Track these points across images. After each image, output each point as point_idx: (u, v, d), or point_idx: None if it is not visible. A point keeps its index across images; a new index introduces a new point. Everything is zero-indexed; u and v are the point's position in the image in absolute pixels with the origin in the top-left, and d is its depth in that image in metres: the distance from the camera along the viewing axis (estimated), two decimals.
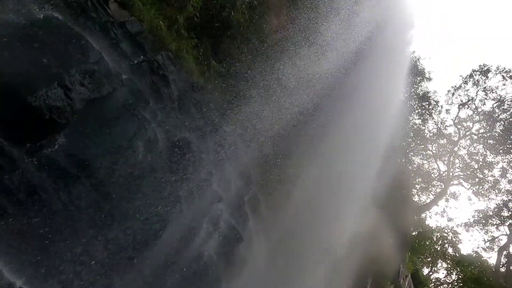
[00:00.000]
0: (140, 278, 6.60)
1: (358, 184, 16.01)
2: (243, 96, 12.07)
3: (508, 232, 27.88)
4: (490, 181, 28.28)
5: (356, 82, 15.41)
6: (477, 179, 28.86)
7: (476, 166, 28.75)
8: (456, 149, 29.13)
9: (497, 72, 26.30)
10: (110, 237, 6.16)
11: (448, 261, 34.89)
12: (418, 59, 26.06)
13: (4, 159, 4.91)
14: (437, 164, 29.96)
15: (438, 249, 34.79)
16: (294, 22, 14.79)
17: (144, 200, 6.61)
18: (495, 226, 29.09)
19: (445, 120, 29.46)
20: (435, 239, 34.29)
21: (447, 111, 28.73)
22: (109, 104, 6.30)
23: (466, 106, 28.25)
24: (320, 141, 14.23)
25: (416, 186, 30.41)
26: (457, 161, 29.53)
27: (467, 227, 30.19)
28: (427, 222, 32.01)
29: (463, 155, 29.21)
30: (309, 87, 14.06)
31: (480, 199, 28.97)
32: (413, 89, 26.38)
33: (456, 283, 33.36)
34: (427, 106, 28.64)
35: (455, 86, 28.67)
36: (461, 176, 29.48)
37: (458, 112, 28.53)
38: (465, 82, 27.81)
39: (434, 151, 29.90)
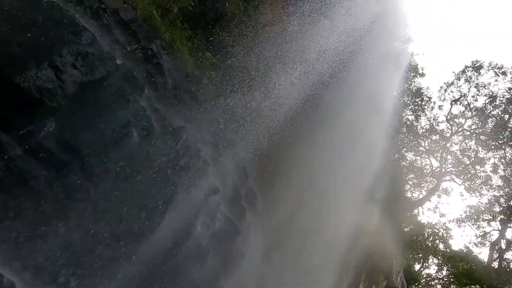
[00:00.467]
0: (135, 273, 6.31)
1: (356, 179, 15.89)
2: (238, 88, 11.85)
3: (499, 228, 28.10)
4: (482, 176, 28.44)
5: (352, 78, 15.26)
6: (469, 175, 29.00)
7: (468, 162, 28.89)
8: (448, 145, 29.24)
9: (489, 68, 26.42)
10: (103, 229, 5.86)
11: (439, 257, 35.11)
12: (412, 55, 26.04)
13: None
14: (430, 160, 30.06)
15: (429, 245, 34.97)
16: (289, 16, 14.57)
17: (139, 190, 6.31)
18: (487, 221, 29.30)
19: (438, 116, 29.55)
20: (426, 235, 34.46)
21: (440, 107, 28.80)
22: (103, 89, 5.98)
23: (459, 102, 28.34)
24: (317, 136, 14.06)
25: (409, 182, 30.47)
26: (449, 157, 29.65)
27: (459, 222, 30.38)
28: (419, 218, 32.12)
29: (455, 151, 29.33)
30: (305, 82, 13.89)
31: (472, 194, 29.14)
32: (406, 85, 26.35)
33: (447, 278, 33.59)
34: (420, 102, 28.68)
35: (448, 82, 28.76)
36: (453, 172, 29.61)
37: (451, 108, 28.64)
38: (458, 78, 27.90)
39: (427, 147, 29.96)
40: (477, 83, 27.30)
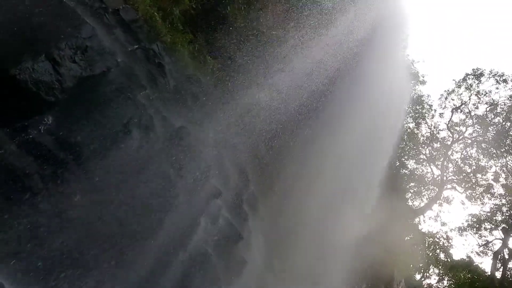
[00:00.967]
0: (134, 277, 5.99)
1: (359, 186, 15.59)
2: (239, 93, 11.69)
3: (502, 236, 27.74)
4: (484, 185, 28.16)
5: (356, 83, 15.10)
6: (470, 183, 28.73)
7: (469, 170, 28.63)
8: (449, 153, 29.00)
9: (490, 76, 26.33)
10: (101, 230, 5.56)
11: (440, 267, 34.65)
12: (412, 62, 25.98)
13: None
14: (431, 168, 29.79)
15: (430, 254, 34.55)
16: (290, 20, 14.47)
17: (139, 191, 6.03)
18: (488, 230, 28.95)
19: (439, 124, 29.36)
20: (427, 244, 34.07)
21: (441, 114, 28.63)
22: (103, 85, 5.75)
23: (459, 110, 28.19)
24: (321, 141, 13.85)
25: (410, 190, 30.17)
26: (450, 165, 29.39)
27: (460, 231, 29.99)
28: (420, 227, 31.76)
29: (457, 159, 29.08)
30: (304, 87, 13.74)
31: (474, 203, 28.83)
32: (405, 92, 26.21)
33: None
34: (420, 109, 28.54)
35: (448, 90, 28.64)
36: (455, 180, 29.33)
37: (451, 116, 28.45)
38: (458, 86, 27.79)
39: (428, 155, 29.73)
40: (478, 91, 27.18)
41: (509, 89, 25.86)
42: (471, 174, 28.66)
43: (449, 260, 33.85)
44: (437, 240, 34.12)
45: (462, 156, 28.89)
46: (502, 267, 27.47)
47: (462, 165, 28.97)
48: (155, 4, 9.87)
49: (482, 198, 28.46)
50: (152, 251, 6.28)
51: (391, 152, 17.70)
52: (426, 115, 28.87)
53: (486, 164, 28.12)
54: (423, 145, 29.71)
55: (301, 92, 13.58)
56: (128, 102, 6.12)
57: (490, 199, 28.15)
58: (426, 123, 29.34)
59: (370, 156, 15.94)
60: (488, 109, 27.04)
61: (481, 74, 26.60)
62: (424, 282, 35.73)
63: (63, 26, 5.31)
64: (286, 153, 13.65)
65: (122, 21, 8.31)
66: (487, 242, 28.99)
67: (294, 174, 13.56)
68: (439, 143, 29.58)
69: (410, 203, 30.75)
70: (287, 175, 13.32)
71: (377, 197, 17.57)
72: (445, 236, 33.03)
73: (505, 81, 25.73)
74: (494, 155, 27.31)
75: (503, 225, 27.63)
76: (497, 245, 28.55)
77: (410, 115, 28.40)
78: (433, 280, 34.86)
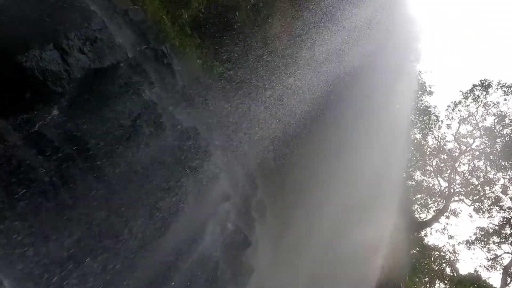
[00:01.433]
0: (138, 281, 5.68)
1: (370, 197, 15.16)
2: (246, 98, 11.53)
3: (511, 250, 27.12)
4: (492, 197, 27.63)
5: (367, 89, 14.87)
6: (477, 196, 28.22)
7: (477, 183, 28.14)
8: (457, 165, 28.54)
9: (498, 87, 26.01)
10: (106, 230, 5.28)
11: (446, 282, 33.90)
12: (419, 73, 25.76)
13: None
14: (438, 180, 29.30)
15: (436, 268, 33.86)
16: (297, 27, 14.35)
17: (147, 191, 5.76)
18: (497, 244, 28.30)
19: (446, 135, 28.97)
20: (433, 259, 33.43)
21: (448, 126, 28.26)
22: (112, 78, 5.53)
23: (467, 121, 27.85)
24: (329, 150, 13.56)
25: (417, 202, 29.66)
26: (457, 177, 28.89)
27: (468, 245, 29.33)
28: (427, 240, 31.16)
29: (464, 171, 28.61)
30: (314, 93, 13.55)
31: (481, 216, 28.26)
32: (413, 103, 25.96)
33: None
34: (427, 120, 28.21)
35: (455, 101, 28.33)
36: (462, 193, 28.82)
37: (459, 128, 28.08)
38: (466, 97, 27.49)
39: (435, 167, 29.29)
40: (485, 102, 26.86)
41: None
42: (479, 187, 28.13)
43: (455, 275, 33.14)
44: (443, 254, 33.47)
45: (470, 168, 28.40)
46: None
47: (469, 177, 28.45)
48: (164, 7, 9.77)
49: (490, 211, 27.87)
50: (158, 253, 5.99)
51: (404, 164, 17.35)
52: (433, 126, 28.50)
53: (494, 176, 27.57)
54: (430, 157, 29.27)
55: (310, 98, 13.40)
56: (138, 98, 5.89)
57: (499, 212, 27.54)
58: (433, 134, 28.95)
59: (384, 168, 15.57)
60: (496, 120, 26.66)
61: (489, 85, 26.27)
62: None
63: (73, 16, 5.12)
64: (294, 162, 13.39)
65: (131, 21, 8.18)
66: (496, 256, 28.30)
67: (302, 183, 13.25)
68: (446, 154, 29.14)
69: (417, 215, 30.23)
70: (296, 184, 13.01)
71: (386, 209, 17.16)
72: (451, 250, 32.37)
73: None
74: (502, 167, 26.80)
75: None
76: (506, 259, 27.88)
77: (417, 126, 28.06)
78: None
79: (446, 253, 32.69)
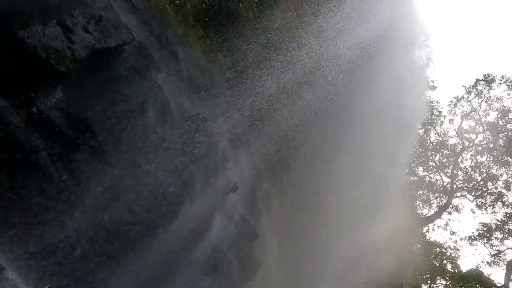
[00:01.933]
0: (146, 272, 5.46)
1: (374, 192, 14.93)
2: (250, 91, 11.30)
3: None
4: (494, 193, 27.44)
5: (375, 85, 14.59)
6: (480, 192, 28.04)
7: (479, 178, 27.96)
8: (459, 160, 28.33)
9: (501, 82, 25.76)
10: (111, 217, 5.04)
11: (447, 278, 33.75)
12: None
13: None
14: (440, 176, 29.09)
15: (437, 265, 33.73)
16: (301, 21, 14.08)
17: (154, 177, 5.52)
18: (500, 240, 28.14)
19: (448, 131, 28.75)
20: (434, 255, 33.28)
21: (451, 121, 28.03)
22: (117, 60, 5.27)
23: (469, 116, 27.62)
24: (335, 142, 13.32)
25: (419, 198, 29.48)
26: (460, 173, 28.70)
27: (470, 240, 29.16)
28: (429, 236, 30.99)
29: (466, 167, 28.40)
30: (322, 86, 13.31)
31: (484, 212, 28.08)
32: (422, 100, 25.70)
33: None
34: (429, 116, 27.97)
35: (458, 96, 28.08)
36: (465, 188, 28.63)
37: (461, 123, 27.84)
38: (469, 92, 27.24)
39: (437, 163, 29.08)
40: (488, 97, 26.62)
41: None
42: (482, 182, 27.95)
43: (456, 271, 32.99)
44: (444, 250, 33.32)
45: (472, 163, 28.20)
46: None
47: (472, 172, 28.25)
48: None
49: (493, 207, 27.70)
50: (165, 243, 5.76)
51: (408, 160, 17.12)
52: (435, 121, 28.27)
53: (497, 171, 27.37)
54: (432, 152, 29.05)
55: (314, 90, 13.16)
56: (144, 81, 5.64)
57: (501, 208, 27.37)
58: (435, 130, 28.72)
59: (389, 161, 15.35)
60: (499, 115, 26.44)
61: (492, 80, 26.02)
62: None
63: None
64: (299, 155, 13.16)
65: (134, 7, 7.92)
66: (499, 252, 28.14)
67: (307, 178, 13.04)
68: (448, 150, 28.91)
69: (419, 211, 30.04)
70: (301, 177, 12.79)
71: (389, 204, 16.95)
72: (452, 246, 32.20)
73: None
74: (505, 162, 26.61)
75: None
76: (509, 254, 27.72)
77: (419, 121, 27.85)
78: None
79: (447, 249, 32.54)
